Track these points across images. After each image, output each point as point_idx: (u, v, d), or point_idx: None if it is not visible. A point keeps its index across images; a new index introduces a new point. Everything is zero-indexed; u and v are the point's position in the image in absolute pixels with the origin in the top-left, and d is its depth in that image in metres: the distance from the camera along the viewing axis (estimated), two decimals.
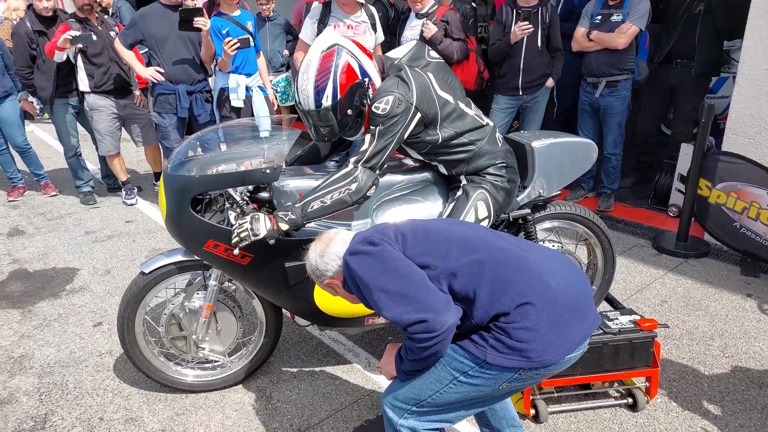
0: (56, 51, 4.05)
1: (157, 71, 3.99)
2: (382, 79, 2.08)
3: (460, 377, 1.46)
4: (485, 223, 2.20)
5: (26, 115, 5.02)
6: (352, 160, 1.95)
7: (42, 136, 7.32)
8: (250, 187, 2.12)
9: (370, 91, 1.98)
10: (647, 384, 2.34)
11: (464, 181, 2.23)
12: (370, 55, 2.07)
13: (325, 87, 1.92)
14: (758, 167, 3.53)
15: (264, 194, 2.17)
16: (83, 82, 4.33)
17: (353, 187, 1.91)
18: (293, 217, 1.91)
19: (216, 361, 2.42)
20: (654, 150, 5.01)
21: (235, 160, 2.12)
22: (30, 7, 4.44)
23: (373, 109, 1.95)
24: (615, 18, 4.17)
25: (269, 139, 2.32)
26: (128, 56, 4.03)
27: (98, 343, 2.83)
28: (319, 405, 2.39)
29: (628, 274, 3.57)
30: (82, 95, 4.42)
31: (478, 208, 2.16)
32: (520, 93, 4.41)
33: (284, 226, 1.91)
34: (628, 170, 5.13)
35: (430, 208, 2.26)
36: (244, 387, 2.49)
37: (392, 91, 1.95)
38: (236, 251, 1.95)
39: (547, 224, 2.61)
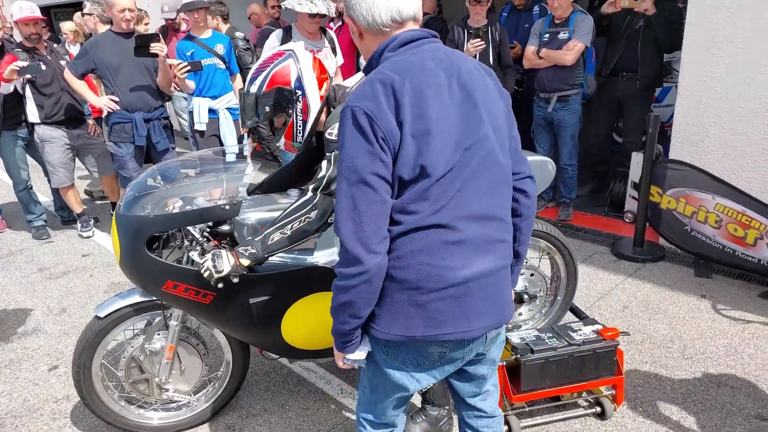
0: (2, 83, 3.90)
1: (112, 100, 3.89)
2: (334, 106, 2.09)
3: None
4: None
5: None
6: (311, 187, 1.94)
7: None
8: (211, 223, 2.08)
9: (299, 105, 1.99)
10: (613, 392, 2.40)
11: None
12: (324, 80, 2.07)
13: (258, 76, 1.99)
14: (702, 173, 3.69)
15: (225, 227, 2.13)
16: (33, 113, 4.18)
17: (313, 215, 1.89)
18: (254, 251, 1.87)
19: (181, 401, 2.34)
20: (608, 159, 5.19)
21: (192, 195, 2.07)
22: None
23: (326, 135, 1.95)
24: (562, 36, 4.32)
25: (228, 171, 2.28)
26: (79, 86, 3.92)
27: (54, 389, 2.70)
28: None
29: (590, 281, 3.66)
30: (31, 126, 4.27)
31: None
32: None
33: (246, 262, 1.87)
34: (585, 179, 5.29)
35: None
36: (212, 425, 2.42)
37: None
38: (221, 285, 1.91)
39: None
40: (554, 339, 2.26)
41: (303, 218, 1.89)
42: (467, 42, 4.34)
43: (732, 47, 3.50)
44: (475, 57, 4.34)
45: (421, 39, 1.38)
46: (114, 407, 2.25)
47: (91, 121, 4.51)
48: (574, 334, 2.28)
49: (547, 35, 4.38)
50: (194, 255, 1.98)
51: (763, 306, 3.25)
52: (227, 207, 1.94)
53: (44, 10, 10.44)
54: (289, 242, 1.90)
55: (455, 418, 2.39)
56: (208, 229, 2.08)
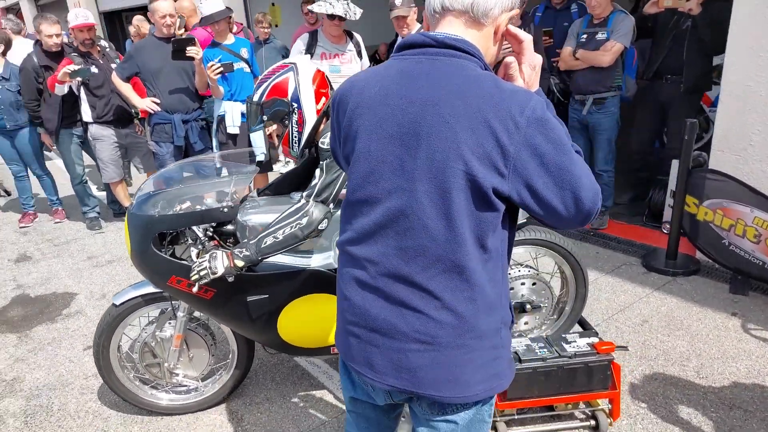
0: (56, 84, 4.27)
1: (153, 102, 4.16)
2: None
3: None
4: None
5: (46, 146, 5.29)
6: (304, 194, 2.04)
7: (60, 165, 7.61)
8: (214, 223, 2.22)
9: (295, 117, 2.07)
10: (610, 406, 2.35)
11: None
12: (323, 94, 2.15)
13: (261, 86, 2.09)
14: (740, 185, 3.50)
15: (230, 227, 2.27)
16: (86, 113, 4.54)
17: (304, 221, 1.98)
18: (248, 253, 1.99)
19: (190, 386, 2.52)
20: (650, 167, 5.00)
21: (198, 196, 2.22)
22: (37, 42, 4.69)
23: (320, 144, 2.04)
24: (600, 36, 4.20)
25: (237, 173, 2.42)
26: (124, 88, 4.22)
27: (86, 367, 2.96)
28: (287, 427, 2.46)
29: (612, 293, 3.56)
30: (86, 125, 4.64)
31: None
32: None
33: (240, 263, 1.99)
34: (625, 187, 5.12)
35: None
36: (218, 409, 2.58)
37: None
38: (195, 288, 2.04)
39: (521, 249, 2.64)
40: (545, 350, 2.25)
41: (294, 224, 1.99)
42: None
43: None
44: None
45: (421, 47, 1.15)
46: (129, 386, 2.45)
47: (137, 122, 4.84)
48: (567, 346, 2.26)
49: (584, 36, 4.27)
50: (194, 253, 2.13)
51: None
52: (225, 209, 2.08)
53: (115, 13, 11.15)
54: (281, 246, 2.00)
55: None
56: (212, 229, 2.22)
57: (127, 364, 2.44)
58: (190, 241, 2.20)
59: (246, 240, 2.06)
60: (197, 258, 2.10)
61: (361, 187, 1.18)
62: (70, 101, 4.58)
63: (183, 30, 4.94)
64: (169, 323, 2.37)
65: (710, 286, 3.60)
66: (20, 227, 5.20)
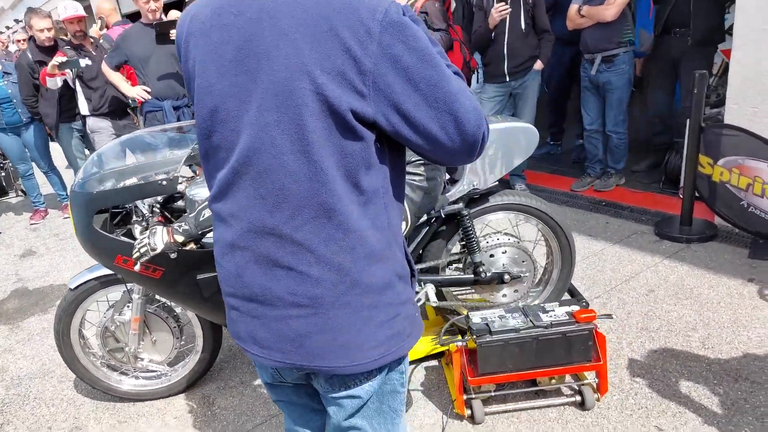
0: (47, 77, 4.29)
1: (144, 90, 4.13)
2: None
3: None
4: (402, 226, 2.09)
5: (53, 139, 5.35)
6: None
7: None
8: (160, 198, 2.13)
9: None
10: (598, 380, 2.16)
11: None
12: None
13: None
14: (756, 139, 3.19)
15: (180, 203, 2.18)
16: (83, 106, 4.56)
17: None
18: (187, 228, 1.89)
19: (157, 371, 2.45)
20: (670, 130, 4.66)
21: (141, 171, 2.13)
22: (31, 38, 4.73)
23: None
24: None
25: (176, 147, 2.30)
26: (114, 77, 4.19)
27: None
28: (257, 411, 2.36)
29: (618, 263, 3.32)
30: (84, 119, 4.66)
31: None
32: (507, 79, 4.24)
33: (179, 238, 1.89)
34: (643, 153, 4.81)
35: None
36: (190, 394, 2.51)
37: None
38: (137, 267, 1.96)
39: (501, 215, 2.45)
40: (519, 320, 2.07)
41: None
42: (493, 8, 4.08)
43: None
44: (504, 24, 4.08)
45: None
46: (96, 372, 2.40)
47: (131, 111, 4.83)
48: (543, 315, 2.07)
49: None
50: (137, 231, 2.05)
51: None
52: (164, 183, 1.98)
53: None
54: None
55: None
56: (159, 205, 2.14)
57: (90, 350, 2.39)
58: (134, 218, 2.12)
59: (187, 214, 1.96)
60: (140, 235, 2.02)
61: (210, 130, 1.02)
62: (68, 95, 4.60)
63: (105, 29, 4.87)
64: (128, 306, 2.30)
65: (727, 251, 3.31)
66: (30, 224, 5.30)
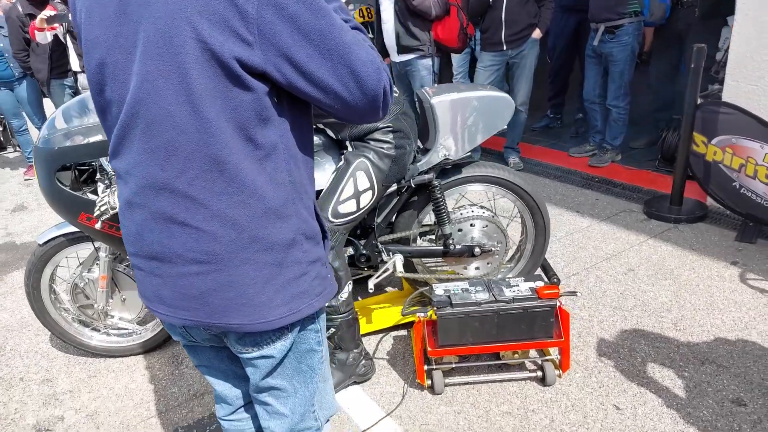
0: (36, 32, 4.23)
1: None
2: None
3: None
4: (368, 196, 2.05)
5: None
6: None
7: None
8: None
9: None
10: (560, 357, 2.15)
11: (349, 148, 2.10)
12: None
13: None
14: (750, 117, 3.09)
15: None
16: (74, 63, 4.50)
17: None
18: None
19: (128, 329, 2.48)
20: (671, 106, 4.54)
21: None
22: None
23: None
24: None
25: None
26: None
27: None
28: None
29: (601, 240, 3.28)
30: (75, 75, 4.61)
31: (357, 178, 2.02)
32: (504, 48, 4.12)
33: None
34: (642, 129, 4.70)
35: (320, 177, 2.13)
36: (160, 353, 2.54)
37: None
38: (98, 225, 1.95)
39: (477, 188, 2.41)
40: (481, 293, 2.05)
41: None
42: None
43: None
44: None
45: None
46: (67, 327, 2.43)
47: None
48: (507, 290, 2.05)
49: None
50: (100, 189, 2.03)
51: None
52: None
53: None
54: None
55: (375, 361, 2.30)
56: None
57: (62, 305, 2.42)
58: (98, 176, 2.10)
59: None
60: (102, 193, 2.00)
61: (102, 84, 0.99)
62: (59, 51, 4.54)
63: None
64: (96, 264, 2.31)
65: (714, 233, 3.26)
66: (25, 179, 5.32)
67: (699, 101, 3.32)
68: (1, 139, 6.53)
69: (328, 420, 1.32)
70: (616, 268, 2.96)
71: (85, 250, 2.34)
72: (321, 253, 1.11)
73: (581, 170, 4.36)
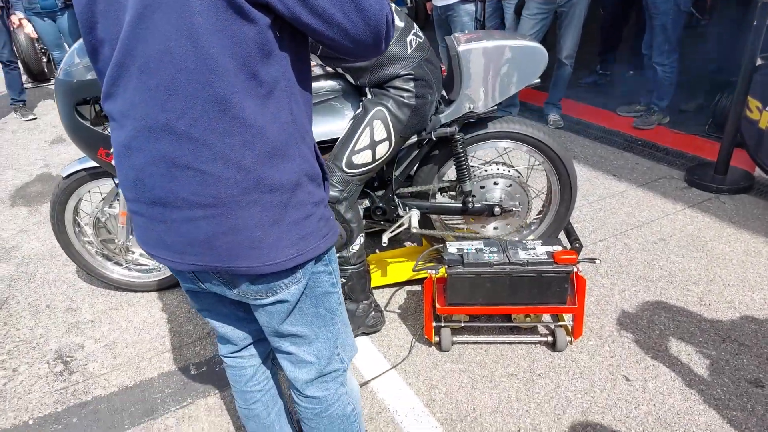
0: None
1: None
2: None
3: None
4: (384, 147, 1.98)
5: None
6: None
7: None
8: None
9: None
10: (573, 324, 2.09)
11: (368, 95, 2.02)
12: None
13: None
14: None
15: None
16: None
17: None
18: None
19: (148, 265, 2.54)
20: (728, 67, 4.21)
21: None
22: None
23: None
24: None
25: None
26: None
27: None
28: None
29: (635, 207, 3.13)
30: None
31: (374, 127, 1.94)
32: None
33: None
34: (698, 90, 4.39)
35: (338, 124, 2.07)
36: (179, 290, 2.61)
37: None
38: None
39: (488, 145, 2.31)
40: (495, 254, 1.99)
41: None
42: None
43: None
44: None
45: None
46: (90, 260, 2.50)
47: None
48: (522, 253, 1.98)
49: None
50: None
51: None
52: None
53: None
54: None
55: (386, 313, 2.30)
56: None
57: (86, 237, 2.48)
58: None
59: None
60: None
61: (92, 22, 0.95)
62: None
63: None
64: (117, 199, 2.35)
65: (758, 206, 3.06)
66: None
67: (758, 62, 3.05)
68: (45, 70, 6.65)
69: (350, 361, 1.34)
70: (647, 237, 2.84)
71: (107, 185, 2.37)
72: (323, 194, 1.10)
73: (625, 131, 4.14)
